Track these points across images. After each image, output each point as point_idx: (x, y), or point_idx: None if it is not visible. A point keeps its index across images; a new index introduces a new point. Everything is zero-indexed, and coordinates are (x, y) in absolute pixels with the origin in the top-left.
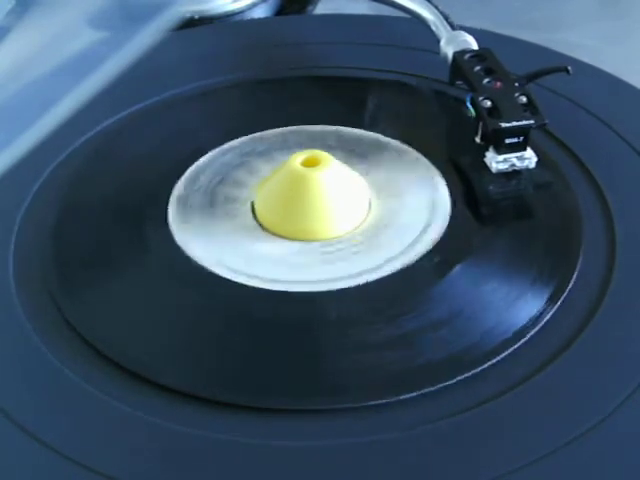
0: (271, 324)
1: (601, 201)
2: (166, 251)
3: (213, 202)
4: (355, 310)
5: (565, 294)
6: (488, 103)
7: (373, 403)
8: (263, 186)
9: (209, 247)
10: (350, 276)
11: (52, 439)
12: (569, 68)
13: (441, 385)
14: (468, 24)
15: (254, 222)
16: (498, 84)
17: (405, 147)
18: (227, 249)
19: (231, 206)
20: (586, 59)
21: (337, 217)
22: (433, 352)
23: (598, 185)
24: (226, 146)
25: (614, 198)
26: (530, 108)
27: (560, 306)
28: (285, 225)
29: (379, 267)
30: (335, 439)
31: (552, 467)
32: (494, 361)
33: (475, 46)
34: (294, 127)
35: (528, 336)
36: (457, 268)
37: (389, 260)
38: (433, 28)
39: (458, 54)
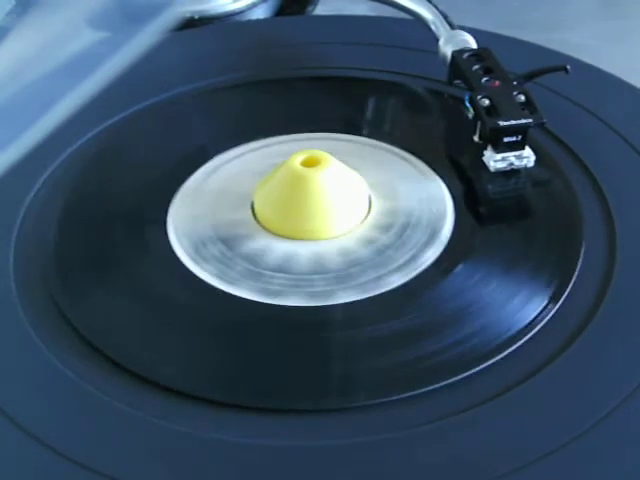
0: (271, 324)
1: (601, 200)
2: (166, 252)
3: (214, 203)
4: (356, 310)
5: (565, 294)
6: (486, 102)
7: (372, 403)
8: (263, 186)
9: (209, 247)
10: (350, 276)
11: (52, 439)
12: (568, 67)
13: (441, 384)
14: (468, 24)
15: (254, 222)
16: (496, 83)
17: (404, 147)
18: (227, 249)
19: (231, 207)
20: (586, 59)
21: (337, 217)
22: (433, 352)
23: (598, 184)
24: (229, 149)
25: (614, 197)
26: (528, 107)
27: (560, 306)
28: (285, 225)
29: (379, 267)
30: (336, 439)
31: (552, 467)
32: (493, 361)
33: (474, 45)
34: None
35: (528, 336)
36: (457, 268)
37: (389, 260)
38: (432, 28)
39: (457, 53)
